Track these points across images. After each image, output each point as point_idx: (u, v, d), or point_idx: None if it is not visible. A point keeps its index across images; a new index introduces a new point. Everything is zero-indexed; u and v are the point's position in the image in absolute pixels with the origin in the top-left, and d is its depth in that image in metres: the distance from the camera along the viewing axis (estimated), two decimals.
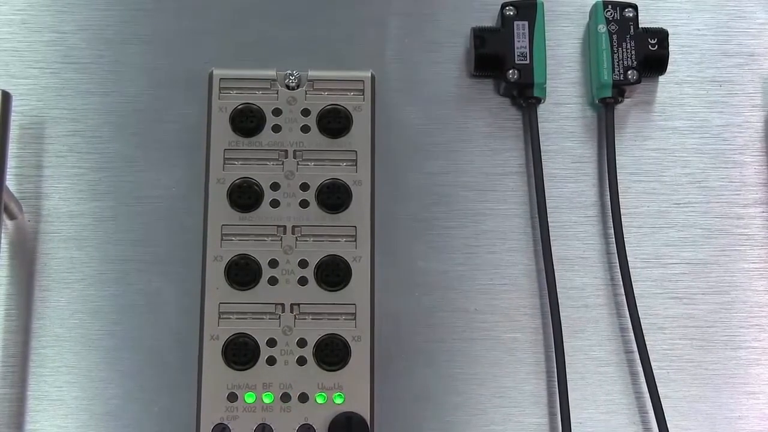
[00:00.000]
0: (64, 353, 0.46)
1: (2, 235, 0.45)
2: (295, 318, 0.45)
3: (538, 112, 0.49)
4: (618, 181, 0.48)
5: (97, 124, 0.49)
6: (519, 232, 0.49)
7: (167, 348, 0.47)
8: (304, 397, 0.44)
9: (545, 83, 0.49)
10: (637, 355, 0.47)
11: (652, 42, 0.49)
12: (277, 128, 0.47)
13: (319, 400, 0.44)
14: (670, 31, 0.50)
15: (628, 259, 0.48)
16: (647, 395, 0.47)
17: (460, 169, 0.49)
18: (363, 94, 0.48)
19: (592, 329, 0.48)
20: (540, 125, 0.49)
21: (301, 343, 0.45)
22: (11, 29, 0.50)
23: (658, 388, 0.47)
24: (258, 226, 0.46)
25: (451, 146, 0.49)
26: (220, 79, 0.47)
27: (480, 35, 0.49)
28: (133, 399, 0.46)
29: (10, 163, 0.47)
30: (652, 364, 0.47)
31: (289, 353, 0.45)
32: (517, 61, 0.49)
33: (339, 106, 0.47)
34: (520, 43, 0.49)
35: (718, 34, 0.51)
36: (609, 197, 0.48)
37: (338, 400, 0.44)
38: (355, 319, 0.45)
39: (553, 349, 0.47)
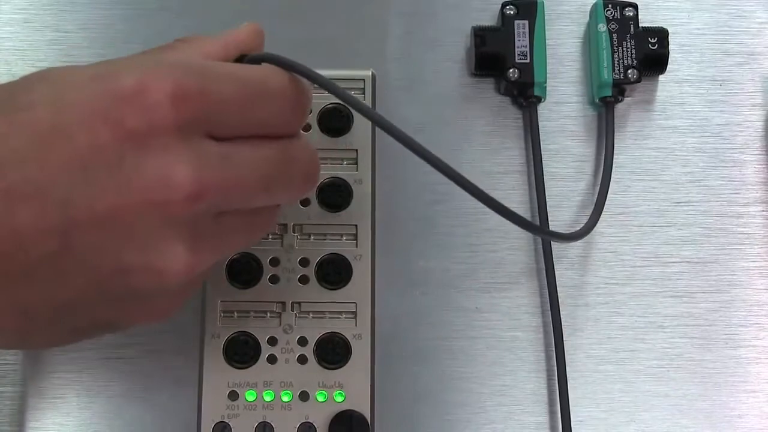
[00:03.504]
0: (65, 351, 0.47)
1: None
2: (296, 316, 0.45)
3: (538, 111, 0.49)
4: (617, 179, 0.49)
5: None
6: (519, 231, 0.48)
7: (168, 346, 0.47)
8: (304, 396, 0.45)
9: (545, 82, 0.49)
10: (638, 354, 0.48)
11: (652, 41, 0.49)
12: None
13: (320, 399, 0.45)
14: (670, 30, 0.50)
15: (629, 257, 0.48)
16: (647, 393, 0.47)
17: (461, 168, 0.48)
18: (364, 93, 0.48)
19: (592, 328, 0.48)
20: (540, 124, 0.49)
21: (302, 341, 0.45)
22: (13, 28, 0.50)
23: (658, 387, 0.47)
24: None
25: (451, 145, 0.49)
26: None
27: (480, 34, 0.49)
28: (134, 397, 0.46)
29: None
30: (653, 362, 0.48)
31: (289, 351, 0.45)
32: (517, 60, 0.49)
33: (340, 105, 0.47)
34: (521, 42, 0.49)
35: (718, 34, 0.51)
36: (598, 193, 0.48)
37: (339, 398, 0.45)
38: (355, 317, 0.45)
39: (554, 348, 0.47)
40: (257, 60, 0.38)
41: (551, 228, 0.48)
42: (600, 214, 0.47)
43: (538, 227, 0.47)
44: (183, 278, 0.35)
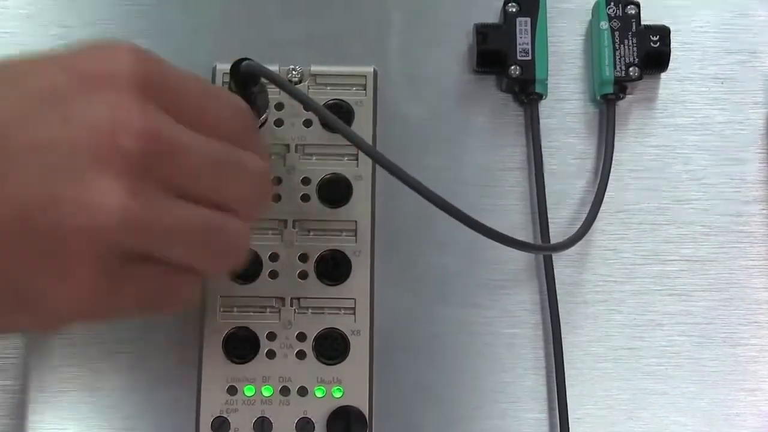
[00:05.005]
0: (65, 345, 0.47)
1: None
2: (295, 312, 0.46)
3: (539, 108, 0.49)
4: (617, 177, 0.49)
5: None
6: (519, 228, 0.49)
7: (168, 341, 0.47)
8: (303, 391, 0.45)
9: (547, 79, 0.49)
10: (636, 351, 0.48)
11: (654, 39, 0.49)
12: (279, 123, 0.47)
13: (318, 394, 0.45)
14: (672, 28, 0.50)
15: (628, 255, 0.48)
16: (646, 391, 0.47)
17: (462, 165, 0.49)
18: (365, 89, 0.48)
19: (591, 325, 0.48)
20: (541, 121, 0.49)
21: (301, 337, 0.45)
22: (17, 23, 0.50)
23: (656, 384, 0.47)
24: (259, 220, 0.46)
25: (452, 141, 0.50)
26: (224, 73, 0.48)
27: (483, 31, 0.49)
28: (134, 391, 0.47)
29: None
30: (651, 360, 0.48)
31: (288, 347, 0.45)
32: (519, 57, 0.49)
33: (341, 101, 0.47)
34: (523, 40, 0.49)
35: (720, 32, 0.51)
36: (596, 191, 0.48)
37: (337, 394, 0.45)
38: (354, 313, 0.46)
39: (552, 345, 0.47)
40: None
41: (550, 224, 0.48)
42: (594, 219, 0.47)
43: (532, 245, 0.48)
44: (116, 219, 0.33)
